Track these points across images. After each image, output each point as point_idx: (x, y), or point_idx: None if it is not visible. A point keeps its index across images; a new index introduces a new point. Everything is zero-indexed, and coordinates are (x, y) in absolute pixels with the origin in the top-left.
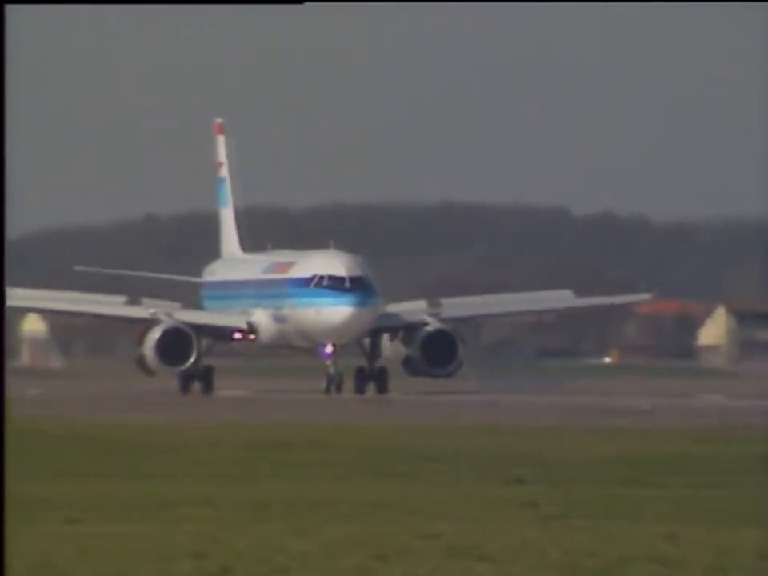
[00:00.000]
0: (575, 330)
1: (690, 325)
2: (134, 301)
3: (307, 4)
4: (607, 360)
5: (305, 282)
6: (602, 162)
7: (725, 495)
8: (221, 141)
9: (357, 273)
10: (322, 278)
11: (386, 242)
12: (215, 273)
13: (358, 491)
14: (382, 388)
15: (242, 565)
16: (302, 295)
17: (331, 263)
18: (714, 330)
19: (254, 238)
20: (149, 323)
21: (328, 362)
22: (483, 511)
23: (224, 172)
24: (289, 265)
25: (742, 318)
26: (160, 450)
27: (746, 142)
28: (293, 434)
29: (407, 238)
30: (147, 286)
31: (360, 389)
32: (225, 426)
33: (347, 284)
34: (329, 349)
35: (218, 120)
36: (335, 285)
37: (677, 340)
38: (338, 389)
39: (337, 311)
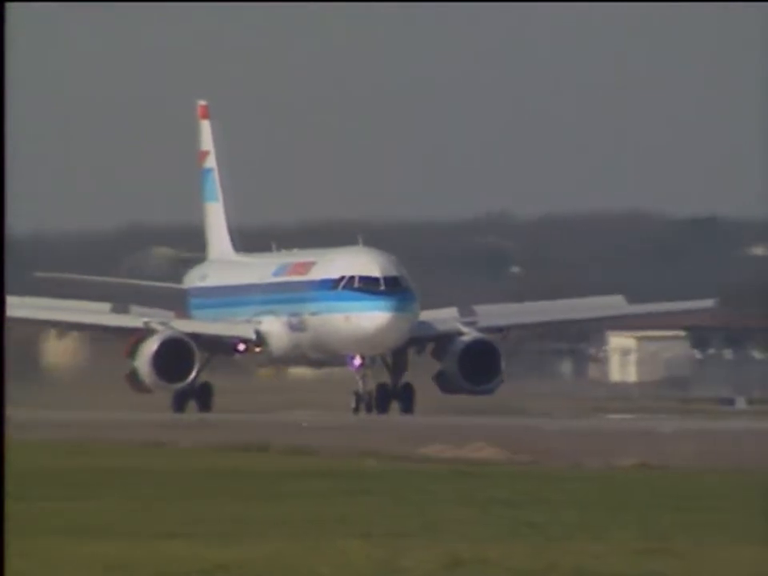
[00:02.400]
0: None
1: None
2: (121, 308)
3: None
4: None
5: (331, 284)
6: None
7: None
8: (206, 126)
9: (392, 273)
10: (351, 278)
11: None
12: (207, 277)
13: None
14: (407, 407)
15: None
16: (328, 299)
17: (362, 262)
18: None
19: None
20: (141, 333)
21: (357, 377)
22: None
23: (210, 162)
24: (308, 265)
25: None
26: None
27: (746, 143)
28: None
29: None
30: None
31: (382, 408)
32: None
33: (382, 286)
34: (357, 361)
35: (202, 102)
36: (368, 287)
37: None
38: (369, 408)
39: (370, 317)
